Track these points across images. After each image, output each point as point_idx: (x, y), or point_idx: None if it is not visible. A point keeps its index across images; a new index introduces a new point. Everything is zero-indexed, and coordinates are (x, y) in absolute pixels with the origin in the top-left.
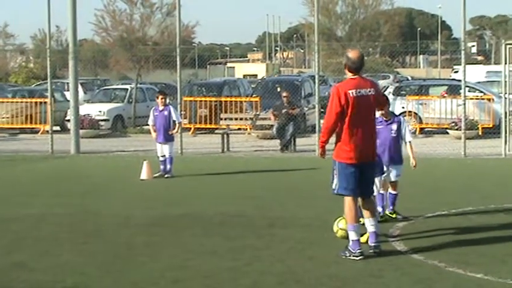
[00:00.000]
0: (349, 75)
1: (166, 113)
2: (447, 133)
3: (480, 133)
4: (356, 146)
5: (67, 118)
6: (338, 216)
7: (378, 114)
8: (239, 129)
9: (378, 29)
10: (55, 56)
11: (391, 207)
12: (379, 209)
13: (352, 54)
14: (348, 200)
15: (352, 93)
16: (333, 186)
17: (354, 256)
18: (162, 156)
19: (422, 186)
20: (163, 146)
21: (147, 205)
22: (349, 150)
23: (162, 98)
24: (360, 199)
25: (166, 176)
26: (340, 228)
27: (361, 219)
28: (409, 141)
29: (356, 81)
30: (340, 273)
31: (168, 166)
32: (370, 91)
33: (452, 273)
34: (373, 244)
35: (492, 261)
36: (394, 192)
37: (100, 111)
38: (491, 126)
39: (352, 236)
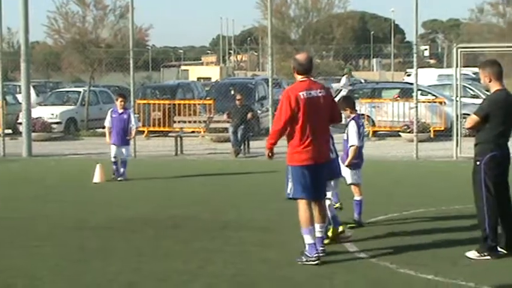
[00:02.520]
0: (298, 77)
1: (125, 116)
2: (399, 136)
3: (432, 136)
4: (308, 147)
5: (19, 121)
6: (290, 219)
7: None
8: (193, 132)
9: (331, 32)
10: (6, 59)
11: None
12: (356, 216)
13: (299, 56)
14: (302, 203)
15: (303, 95)
16: (288, 191)
17: (310, 261)
18: (114, 157)
19: (375, 188)
20: (119, 149)
21: (100, 208)
22: (301, 152)
23: (121, 101)
24: (313, 204)
25: (119, 179)
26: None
27: (336, 204)
28: (351, 145)
29: (306, 84)
30: (293, 275)
31: (122, 169)
32: (320, 92)
33: (403, 274)
34: (321, 247)
35: (443, 263)
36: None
37: (52, 114)
38: (443, 129)
39: (308, 239)
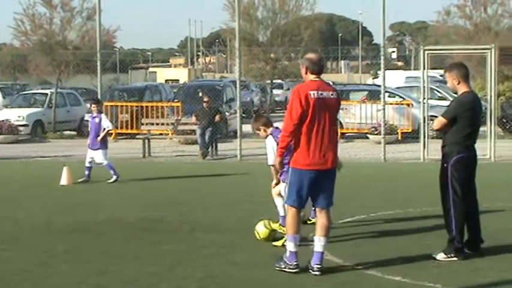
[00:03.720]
0: (310, 77)
1: (97, 120)
2: (367, 138)
3: (400, 138)
4: (315, 151)
5: None
6: (259, 220)
7: None
8: (160, 134)
9: (299, 34)
10: None
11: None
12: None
13: (312, 55)
14: (292, 210)
15: (314, 94)
16: (285, 198)
17: (289, 268)
18: (89, 162)
19: (342, 190)
20: (94, 153)
21: (68, 211)
22: (307, 156)
23: (93, 106)
24: (317, 211)
25: (110, 181)
26: (260, 231)
27: (311, 219)
28: None
29: (318, 83)
30: (262, 277)
31: (111, 171)
32: (332, 94)
33: (371, 276)
34: (317, 265)
35: (410, 264)
36: None
37: (19, 116)
38: (410, 131)
39: (290, 247)
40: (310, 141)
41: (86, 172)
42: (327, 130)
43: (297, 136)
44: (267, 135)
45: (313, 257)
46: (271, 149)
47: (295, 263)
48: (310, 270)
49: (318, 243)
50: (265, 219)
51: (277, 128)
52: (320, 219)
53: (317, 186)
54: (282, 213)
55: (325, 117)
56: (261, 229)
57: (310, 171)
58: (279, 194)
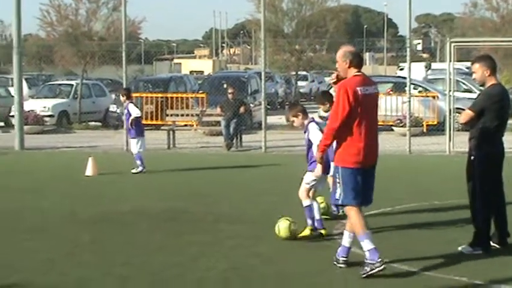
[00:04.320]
0: (353, 71)
1: (126, 111)
2: (392, 130)
3: (425, 130)
4: (363, 148)
5: (11, 114)
6: (283, 212)
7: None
8: (185, 125)
9: (324, 25)
10: None
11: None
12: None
13: (352, 49)
14: (354, 210)
15: (361, 90)
16: (336, 196)
17: (377, 267)
18: (132, 151)
19: None
20: (132, 142)
21: (93, 202)
22: (356, 154)
23: (123, 96)
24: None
25: (134, 171)
26: (283, 228)
27: (323, 231)
28: None
29: (362, 78)
30: (286, 269)
31: (138, 162)
32: (375, 89)
33: (395, 268)
34: (342, 257)
35: (436, 257)
36: None
37: (45, 107)
38: (435, 123)
39: (367, 245)
40: (358, 139)
41: (139, 163)
42: (371, 125)
43: (344, 134)
44: (302, 124)
45: (339, 249)
46: (317, 132)
47: (379, 260)
48: (335, 262)
49: (348, 238)
50: (289, 220)
51: (313, 118)
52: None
53: (365, 183)
54: (317, 217)
55: (370, 113)
56: (283, 231)
57: (358, 169)
58: (307, 194)
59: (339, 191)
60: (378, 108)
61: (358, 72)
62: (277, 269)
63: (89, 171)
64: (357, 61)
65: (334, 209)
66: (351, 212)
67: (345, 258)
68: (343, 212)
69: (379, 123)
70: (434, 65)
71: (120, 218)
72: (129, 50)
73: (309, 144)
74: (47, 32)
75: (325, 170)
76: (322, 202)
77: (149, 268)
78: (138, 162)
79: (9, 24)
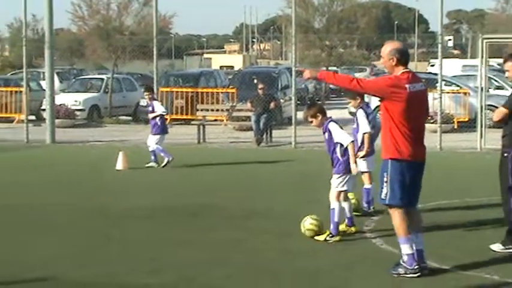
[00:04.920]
0: (401, 69)
1: (150, 108)
2: None
3: (456, 127)
4: (412, 145)
5: (42, 107)
6: (312, 209)
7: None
8: (215, 120)
9: (355, 21)
10: (31, 45)
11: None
12: (364, 204)
13: (399, 44)
14: (398, 211)
15: (409, 88)
16: (382, 196)
17: (411, 273)
18: (149, 146)
19: None
20: (150, 137)
21: (123, 196)
22: (409, 146)
23: (146, 94)
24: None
25: (161, 165)
26: (307, 229)
27: (352, 229)
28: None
29: (410, 75)
30: (315, 265)
31: (152, 157)
32: (422, 86)
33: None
34: (422, 264)
35: (467, 255)
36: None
37: (76, 101)
38: (467, 120)
39: (406, 249)
40: (409, 134)
41: (152, 157)
42: (421, 123)
43: (393, 130)
44: (321, 124)
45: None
46: (340, 130)
47: (416, 266)
48: (405, 274)
49: (418, 240)
50: (314, 219)
51: (331, 117)
52: (417, 216)
53: (416, 181)
54: (336, 219)
55: (419, 110)
56: (308, 228)
57: (413, 162)
58: (337, 197)
59: (385, 190)
60: (427, 106)
61: (405, 69)
62: (308, 264)
63: (119, 165)
64: (404, 59)
65: (365, 205)
66: (396, 213)
67: (424, 264)
68: (373, 208)
69: None
70: (465, 62)
71: (149, 212)
72: (160, 45)
73: (331, 145)
74: (78, 27)
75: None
76: (352, 198)
77: (177, 264)
78: (152, 157)
79: (41, 18)
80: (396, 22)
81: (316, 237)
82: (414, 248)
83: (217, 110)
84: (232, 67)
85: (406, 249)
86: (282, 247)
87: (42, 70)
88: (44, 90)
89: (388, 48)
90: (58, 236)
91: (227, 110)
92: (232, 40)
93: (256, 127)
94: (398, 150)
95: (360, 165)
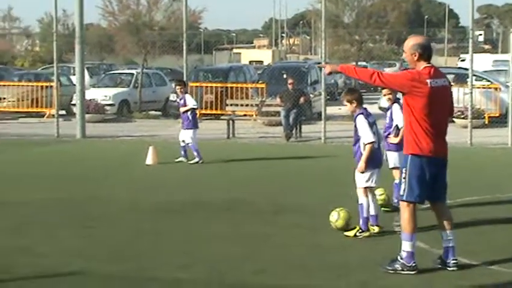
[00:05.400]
0: (423, 64)
1: (182, 101)
2: (453, 122)
3: (486, 122)
4: (433, 140)
5: (73, 102)
6: (341, 204)
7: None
8: (245, 115)
9: (385, 16)
10: (61, 40)
11: None
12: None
13: (421, 39)
14: (410, 207)
15: (431, 82)
16: (401, 192)
17: (408, 270)
18: (182, 141)
19: None
20: (183, 132)
21: (153, 191)
22: (430, 142)
23: (178, 88)
24: (432, 207)
25: (189, 162)
26: (336, 222)
27: (374, 228)
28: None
29: (432, 70)
30: (345, 260)
31: (195, 153)
32: (445, 81)
33: (458, 262)
34: (452, 261)
35: (498, 251)
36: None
37: (106, 96)
38: (497, 115)
39: (407, 247)
40: (430, 129)
41: (182, 152)
42: (442, 119)
43: (414, 126)
44: (354, 111)
45: (448, 253)
46: (365, 126)
47: (413, 264)
48: (450, 268)
49: (448, 237)
50: (343, 212)
51: (365, 108)
52: (442, 214)
53: (437, 177)
54: (373, 212)
55: (441, 106)
56: (338, 222)
57: (433, 158)
58: (363, 193)
59: (403, 186)
60: (450, 101)
61: (428, 64)
62: (338, 259)
63: (149, 160)
64: (427, 54)
65: (395, 200)
66: (406, 208)
67: (454, 261)
68: None
69: None
70: (496, 57)
71: (179, 207)
72: (189, 40)
73: (355, 137)
74: (108, 22)
75: (377, 164)
76: (382, 194)
77: (209, 258)
78: (195, 153)
79: (71, 13)
80: (426, 16)
81: (346, 233)
82: (450, 246)
83: (247, 105)
84: (261, 62)
85: (407, 246)
86: (312, 242)
87: (72, 65)
88: (74, 85)
89: (411, 43)
90: (89, 230)
91: (256, 105)
92: (261, 35)
93: (285, 122)
94: (419, 146)
95: (391, 160)
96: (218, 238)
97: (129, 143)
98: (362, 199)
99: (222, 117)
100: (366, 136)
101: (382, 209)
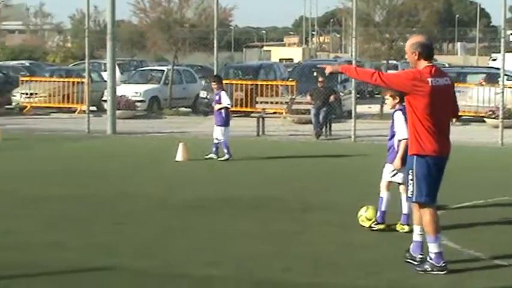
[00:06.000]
0: (423, 63)
1: (217, 97)
2: (484, 121)
3: None
4: (436, 140)
5: (104, 98)
6: (371, 202)
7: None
8: (274, 113)
9: (416, 14)
10: (93, 37)
11: None
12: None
13: (422, 38)
14: (430, 209)
15: (431, 81)
16: (409, 194)
17: (438, 270)
18: (215, 138)
19: (459, 174)
20: (216, 129)
21: (183, 187)
22: (434, 142)
23: (214, 84)
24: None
25: (219, 158)
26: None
27: (404, 227)
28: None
29: (433, 69)
30: (375, 258)
31: (225, 150)
32: (447, 80)
33: (488, 262)
34: (419, 255)
35: None
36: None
37: (136, 92)
38: None
39: (434, 248)
40: (433, 129)
41: (213, 149)
42: (444, 118)
43: (416, 125)
44: (394, 106)
45: (413, 246)
46: (402, 123)
47: (443, 264)
48: (412, 260)
49: (419, 232)
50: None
51: (404, 107)
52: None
53: (438, 177)
54: (405, 211)
55: (443, 105)
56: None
57: (437, 158)
58: (386, 186)
59: (411, 188)
60: (452, 100)
61: (429, 63)
62: (368, 257)
63: (179, 156)
64: (426, 53)
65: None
66: (426, 210)
67: (422, 256)
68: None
69: (470, 114)
70: None
71: (208, 204)
72: (220, 37)
73: (391, 132)
74: (139, 18)
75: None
76: None
77: (236, 255)
78: (225, 150)
79: (102, 10)
80: (457, 16)
81: (362, 223)
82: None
83: (277, 103)
84: (291, 60)
85: (433, 248)
86: (341, 240)
87: (103, 61)
88: (105, 81)
89: (411, 42)
90: (118, 226)
91: (286, 102)
92: (291, 33)
93: (315, 120)
94: (422, 146)
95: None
96: (246, 235)
97: (159, 139)
98: (383, 193)
99: (252, 115)
100: (401, 132)
101: None
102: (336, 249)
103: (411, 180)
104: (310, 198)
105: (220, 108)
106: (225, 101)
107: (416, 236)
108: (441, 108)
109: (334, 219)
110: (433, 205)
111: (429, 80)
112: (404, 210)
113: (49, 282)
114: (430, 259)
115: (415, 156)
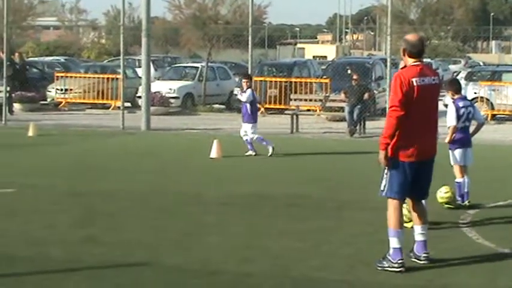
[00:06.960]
0: (410, 61)
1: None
2: None
3: None
4: (416, 141)
5: (138, 95)
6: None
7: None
8: (308, 110)
9: (451, 13)
10: (127, 33)
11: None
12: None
13: (411, 37)
14: (393, 203)
15: (416, 81)
16: (381, 187)
17: (393, 267)
18: (244, 135)
19: (493, 172)
20: (244, 126)
21: (217, 184)
22: (408, 146)
23: (244, 81)
24: (410, 201)
25: (269, 155)
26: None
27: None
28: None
29: (419, 68)
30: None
31: (264, 143)
32: (434, 80)
33: None
34: (424, 254)
35: None
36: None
37: (170, 89)
38: None
39: (394, 243)
40: (412, 132)
41: (248, 146)
42: (428, 119)
43: (402, 124)
44: (454, 100)
45: (416, 246)
46: (451, 113)
47: (400, 261)
48: (416, 259)
49: (419, 231)
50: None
51: (463, 98)
52: (415, 209)
53: (417, 177)
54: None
55: (427, 105)
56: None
57: (409, 163)
58: (459, 171)
59: (384, 182)
60: (436, 100)
61: (415, 62)
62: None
63: (214, 153)
64: (413, 50)
65: (459, 198)
66: (390, 204)
67: (426, 254)
68: (469, 202)
69: (506, 113)
70: None
71: (243, 201)
72: (254, 34)
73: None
74: (174, 15)
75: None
76: (447, 192)
77: (271, 252)
78: (264, 143)
79: (137, 6)
80: (492, 14)
81: (406, 224)
82: (419, 240)
83: (311, 100)
84: (325, 57)
85: (393, 242)
86: (376, 237)
87: (137, 57)
88: (140, 77)
89: (403, 39)
90: (153, 222)
91: (320, 100)
92: (325, 30)
93: (349, 118)
94: (400, 151)
95: (451, 158)
96: (281, 232)
97: (193, 136)
98: (457, 179)
99: (286, 112)
100: (448, 120)
101: (446, 206)
102: (370, 247)
103: (385, 174)
104: (345, 196)
105: (244, 102)
106: (244, 96)
107: (418, 236)
108: (425, 109)
109: (369, 217)
110: (401, 200)
111: (413, 80)
112: (465, 189)
113: (84, 277)
114: (389, 255)
115: (392, 157)
